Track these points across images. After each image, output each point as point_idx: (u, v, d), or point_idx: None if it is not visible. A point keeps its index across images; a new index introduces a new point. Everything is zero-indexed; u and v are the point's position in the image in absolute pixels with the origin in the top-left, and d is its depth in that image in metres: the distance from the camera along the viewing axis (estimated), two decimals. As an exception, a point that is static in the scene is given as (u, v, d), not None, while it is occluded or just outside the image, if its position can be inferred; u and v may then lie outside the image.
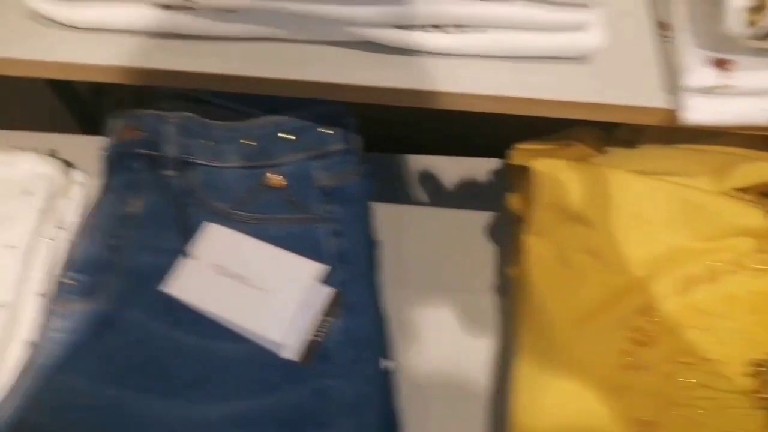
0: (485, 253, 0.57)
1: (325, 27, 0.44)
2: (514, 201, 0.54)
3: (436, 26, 0.42)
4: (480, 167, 0.60)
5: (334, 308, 0.46)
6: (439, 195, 0.60)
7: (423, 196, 0.61)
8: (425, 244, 0.57)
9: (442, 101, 0.45)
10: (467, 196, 0.59)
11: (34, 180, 0.57)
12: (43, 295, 0.53)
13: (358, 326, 0.45)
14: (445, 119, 0.53)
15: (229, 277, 0.45)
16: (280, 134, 0.51)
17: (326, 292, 0.46)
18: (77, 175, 0.61)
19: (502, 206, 0.54)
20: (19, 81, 0.49)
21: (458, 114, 0.45)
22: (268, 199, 0.50)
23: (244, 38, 0.48)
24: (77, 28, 0.48)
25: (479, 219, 0.58)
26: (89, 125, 0.90)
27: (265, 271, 0.46)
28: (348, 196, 0.50)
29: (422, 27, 0.41)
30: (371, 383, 0.43)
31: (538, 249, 0.46)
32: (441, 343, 0.52)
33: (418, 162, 0.63)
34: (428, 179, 0.62)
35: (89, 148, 0.57)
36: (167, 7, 0.46)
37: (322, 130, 0.51)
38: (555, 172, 0.46)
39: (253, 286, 0.45)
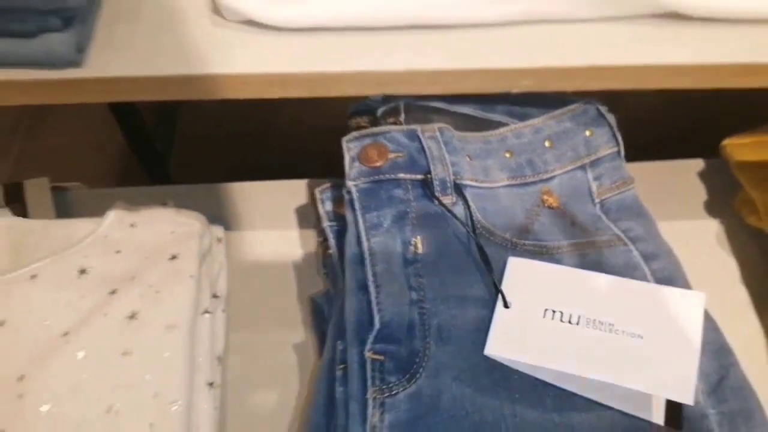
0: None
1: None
2: (744, 205, 0.49)
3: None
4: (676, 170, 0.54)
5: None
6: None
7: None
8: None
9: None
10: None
11: (178, 242, 0.48)
12: (211, 384, 0.44)
13: (718, 369, 0.36)
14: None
15: (572, 324, 0.34)
16: (540, 142, 0.41)
17: (715, 329, 0.36)
18: (217, 231, 0.48)
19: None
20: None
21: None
22: (548, 222, 0.39)
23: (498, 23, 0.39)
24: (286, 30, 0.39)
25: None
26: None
27: (625, 309, 0.35)
28: (632, 207, 0.41)
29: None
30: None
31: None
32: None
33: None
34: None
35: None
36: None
37: (585, 133, 0.42)
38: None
39: (617, 332, 0.34)
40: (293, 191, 0.58)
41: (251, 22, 0.40)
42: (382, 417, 0.30)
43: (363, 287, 0.34)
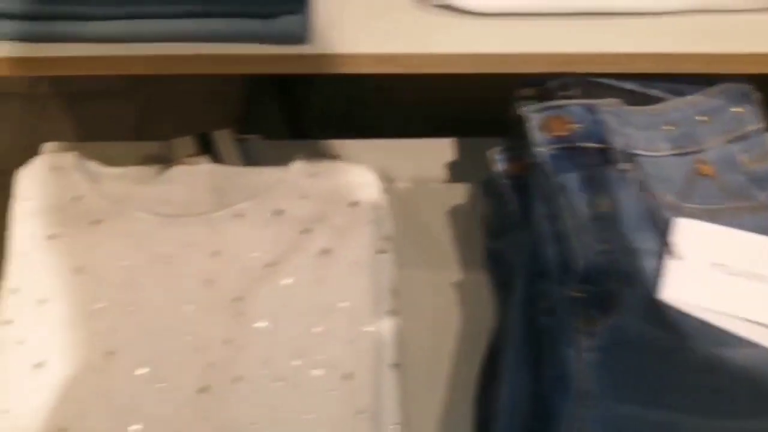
0: None
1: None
2: None
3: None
4: None
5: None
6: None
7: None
8: None
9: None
10: None
11: (356, 190, 0.55)
12: (390, 312, 0.52)
13: None
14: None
15: (737, 276, 0.41)
16: (696, 117, 0.47)
17: None
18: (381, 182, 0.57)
19: None
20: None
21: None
22: (704, 188, 0.46)
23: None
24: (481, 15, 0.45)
25: None
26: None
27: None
28: (777, 179, 0.47)
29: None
30: None
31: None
32: None
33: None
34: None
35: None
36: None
37: (735, 110, 0.47)
38: None
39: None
40: (439, 149, 0.65)
41: (450, 7, 0.46)
42: (585, 342, 0.38)
43: (559, 238, 0.41)
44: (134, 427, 0.49)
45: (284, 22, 0.44)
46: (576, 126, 0.44)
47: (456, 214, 0.62)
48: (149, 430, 0.48)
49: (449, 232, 0.61)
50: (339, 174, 0.57)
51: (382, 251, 0.55)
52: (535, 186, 0.44)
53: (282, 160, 0.62)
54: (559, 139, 0.44)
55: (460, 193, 0.63)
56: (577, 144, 0.43)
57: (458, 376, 0.53)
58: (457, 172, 0.65)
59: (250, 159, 0.64)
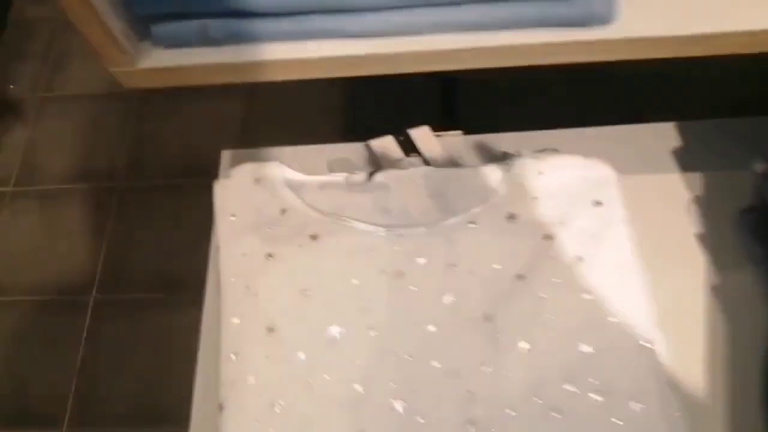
0: None
1: None
2: None
3: None
4: None
5: None
6: None
7: None
8: None
9: None
10: None
11: (595, 188, 0.49)
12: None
13: None
14: None
15: None
16: None
17: None
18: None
19: None
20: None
21: None
22: None
23: None
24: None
25: None
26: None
27: None
28: None
29: None
30: None
31: None
32: None
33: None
34: None
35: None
36: None
37: None
38: None
39: None
40: (651, 135, 0.59)
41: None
42: None
43: None
44: (397, 468, 0.43)
45: (587, 2, 0.38)
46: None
47: (691, 207, 0.55)
48: (414, 472, 0.43)
49: (690, 228, 0.54)
50: (571, 170, 0.51)
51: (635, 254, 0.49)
52: None
53: (483, 155, 0.56)
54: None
55: (688, 184, 0.56)
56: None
57: (735, 385, 0.47)
58: (678, 159, 0.58)
59: (452, 157, 0.58)
